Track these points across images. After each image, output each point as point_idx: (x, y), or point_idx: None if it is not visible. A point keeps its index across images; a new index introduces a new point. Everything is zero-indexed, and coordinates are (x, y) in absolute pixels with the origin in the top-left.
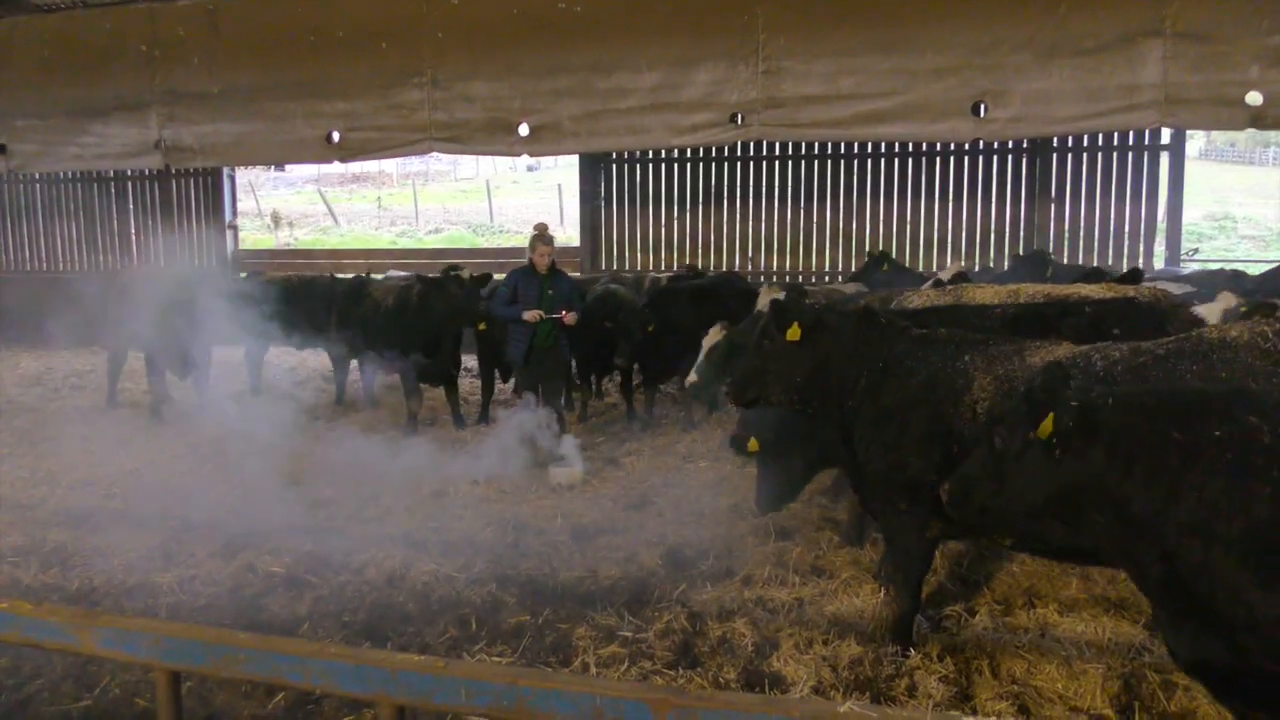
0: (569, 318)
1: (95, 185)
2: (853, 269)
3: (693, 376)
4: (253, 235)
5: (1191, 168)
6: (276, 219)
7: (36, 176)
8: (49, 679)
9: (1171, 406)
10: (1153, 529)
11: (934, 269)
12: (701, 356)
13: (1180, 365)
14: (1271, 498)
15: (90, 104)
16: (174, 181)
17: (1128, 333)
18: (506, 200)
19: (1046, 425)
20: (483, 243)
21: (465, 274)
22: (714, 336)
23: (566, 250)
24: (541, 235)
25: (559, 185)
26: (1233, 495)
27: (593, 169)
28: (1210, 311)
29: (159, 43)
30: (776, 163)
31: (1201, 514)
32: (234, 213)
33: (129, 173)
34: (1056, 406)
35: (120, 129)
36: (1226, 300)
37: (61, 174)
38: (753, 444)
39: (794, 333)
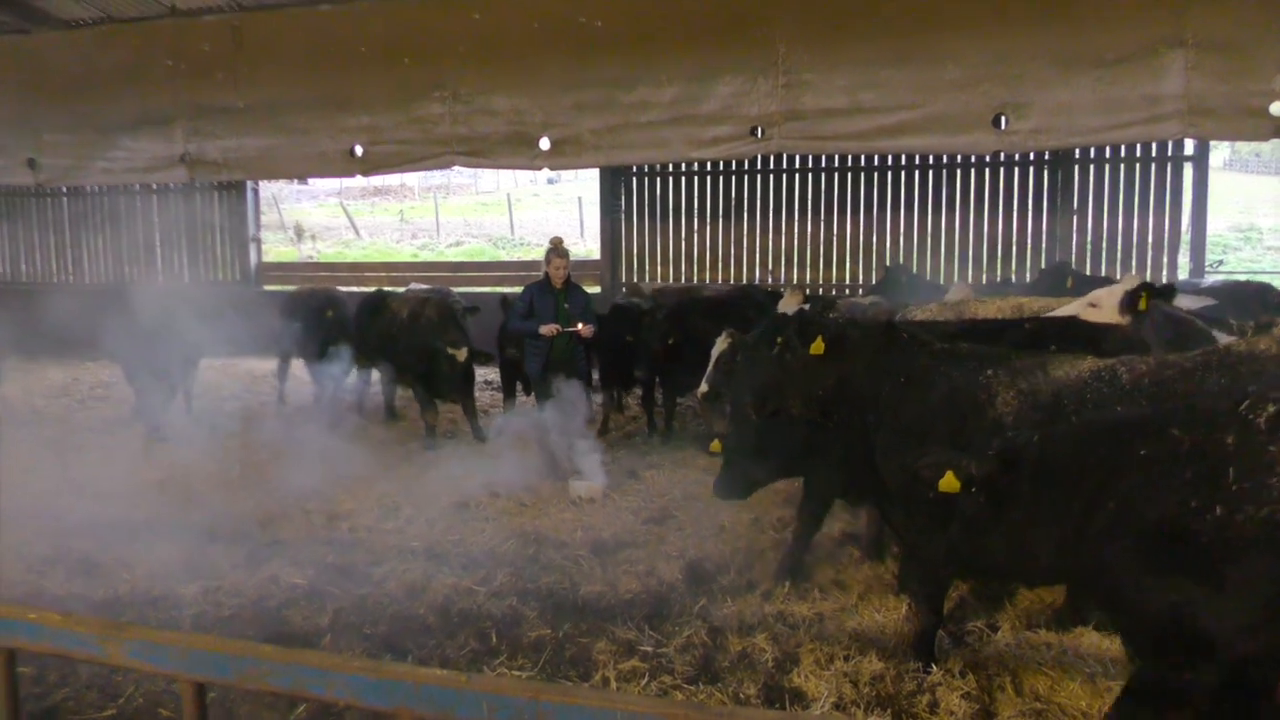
0: (586, 330)
1: (121, 198)
2: (873, 282)
3: (704, 386)
4: (276, 248)
5: (1216, 178)
6: (299, 232)
7: (64, 190)
8: (74, 688)
9: (1097, 436)
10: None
11: (955, 281)
12: (711, 365)
13: (1208, 378)
14: (1179, 499)
15: (117, 119)
16: (198, 195)
17: (1063, 348)
18: (527, 213)
19: (950, 481)
20: (503, 255)
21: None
22: (721, 344)
23: (586, 263)
24: (557, 249)
25: (579, 198)
26: (1148, 499)
27: (613, 182)
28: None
29: (184, 58)
30: (797, 175)
31: (1120, 524)
32: (257, 226)
33: (154, 186)
34: (964, 462)
35: (146, 143)
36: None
37: (89, 187)
38: (715, 445)
39: (818, 346)
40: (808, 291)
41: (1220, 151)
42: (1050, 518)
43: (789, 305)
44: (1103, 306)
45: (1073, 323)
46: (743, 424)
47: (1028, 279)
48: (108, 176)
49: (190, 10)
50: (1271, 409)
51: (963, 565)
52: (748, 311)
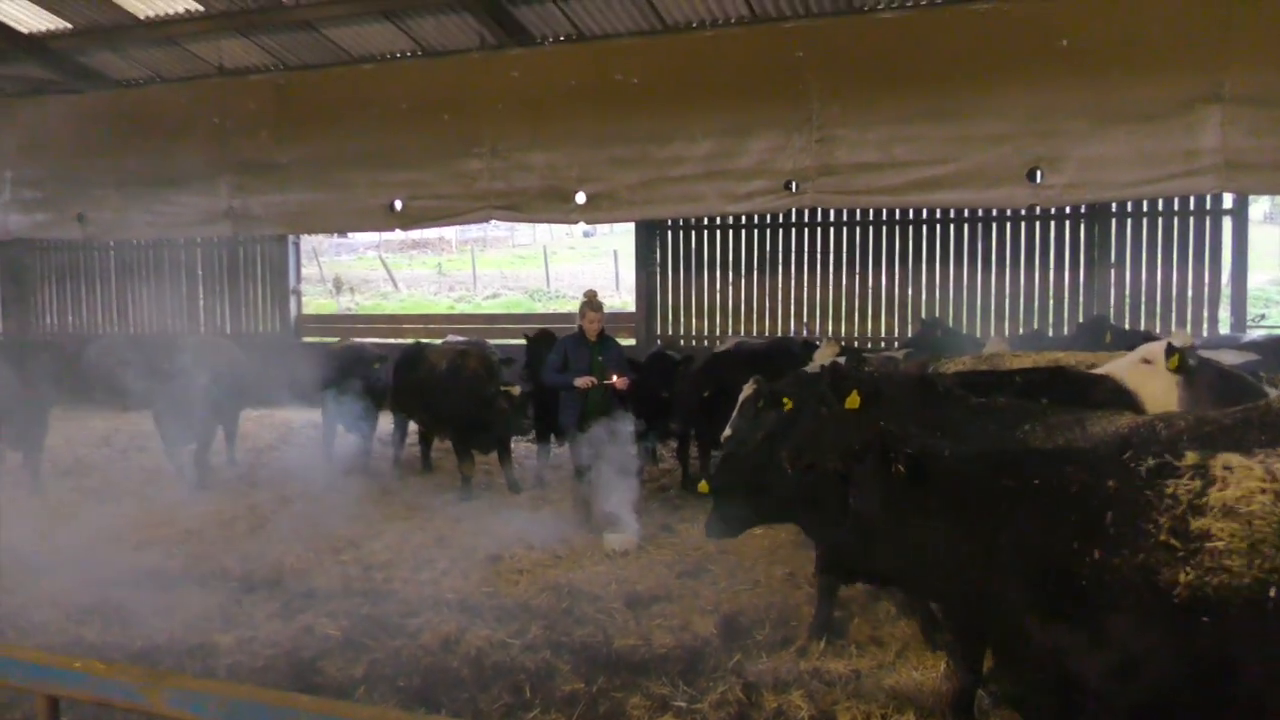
0: (621, 383)
1: (166, 251)
2: (908, 335)
3: (728, 431)
4: (315, 300)
5: (1256, 232)
6: (338, 284)
7: (110, 243)
8: None
9: (999, 462)
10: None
11: (992, 336)
12: (736, 411)
13: (1248, 434)
14: (1062, 537)
15: (164, 174)
16: (241, 248)
17: (1053, 400)
18: (563, 266)
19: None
20: (539, 308)
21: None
22: (747, 391)
23: (621, 316)
24: (591, 302)
25: (615, 251)
26: (1034, 535)
27: (648, 235)
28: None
29: (230, 115)
30: (831, 229)
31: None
32: (298, 278)
33: (199, 239)
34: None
35: (192, 198)
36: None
37: (135, 240)
38: (702, 486)
39: (853, 401)
40: (843, 344)
41: (1260, 205)
42: (943, 531)
43: (825, 357)
44: (1157, 362)
45: (1061, 373)
46: (730, 465)
47: (1065, 333)
48: (154, 230)
49: (237, 69)
50: (1152, 461)
51: (856, 562)
52: (783, 363)
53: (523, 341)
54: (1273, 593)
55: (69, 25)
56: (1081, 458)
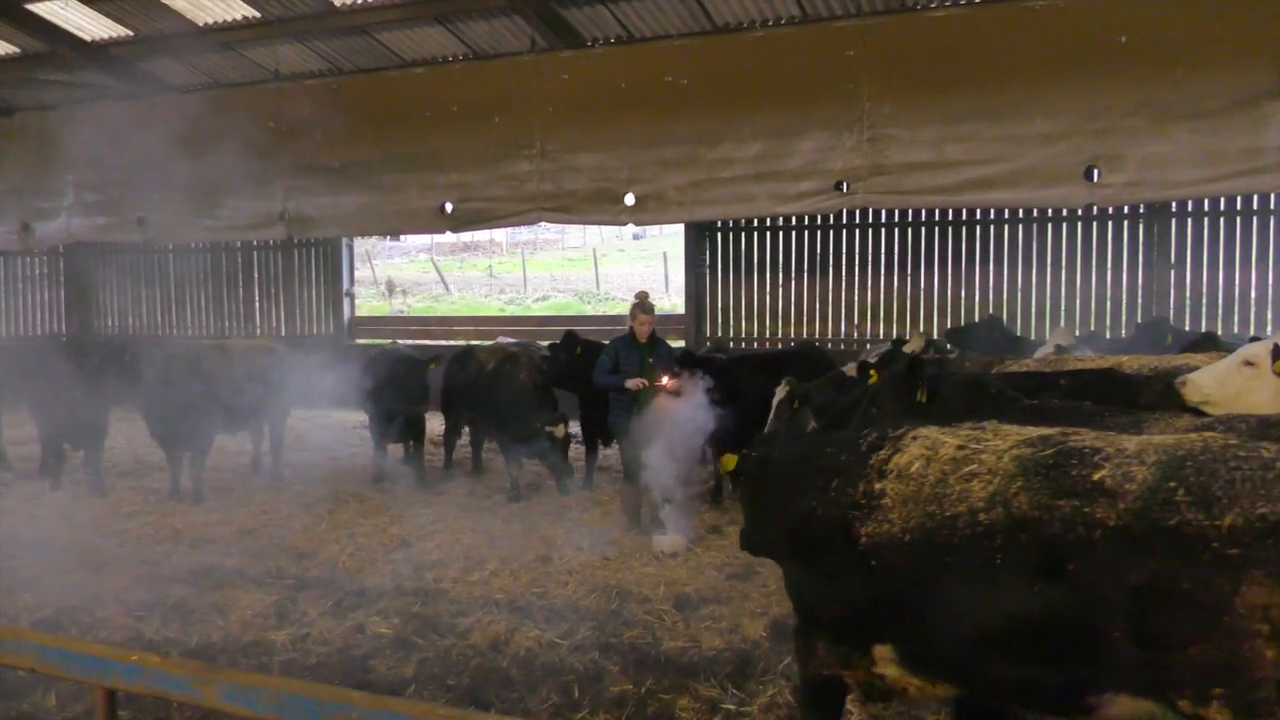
0: (672, 384)
1: (223, 254)
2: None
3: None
4: (368, 302)
5: None
6: (391, 287)
7: (169, 246)
8: None
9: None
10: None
11: (1048, 338)
12: (772, 413)
13: None
14: (806, 501)
15: (221, 178)
16: (296, 251)
17: (1098, 402)
18: (613, 268)
19: (728, 461)
20: (589, 310)
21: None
22: (781, 393)
23: (671, 318)
24: (642, 304)
25: (664, 253)
26: (792, 501)
27: (698, 237)
28: None
29: (286, 120)
30: (883, 230)
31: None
32: (351, 281)
33: (254, 242)
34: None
35: (248, 202)
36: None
37: (192, 244)
38: (728, 460)
39: (921, 396)
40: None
41: None
42: (766, 507)
43: (914, 347)
44: (1261, 364)
45: (1109, 375)
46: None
47: (1122, 335)
48: (211, 234)
49: (292, 75)
50: (873, 436)
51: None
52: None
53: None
54: (909, 539)
55: (131, 33)
56: (836, 439)
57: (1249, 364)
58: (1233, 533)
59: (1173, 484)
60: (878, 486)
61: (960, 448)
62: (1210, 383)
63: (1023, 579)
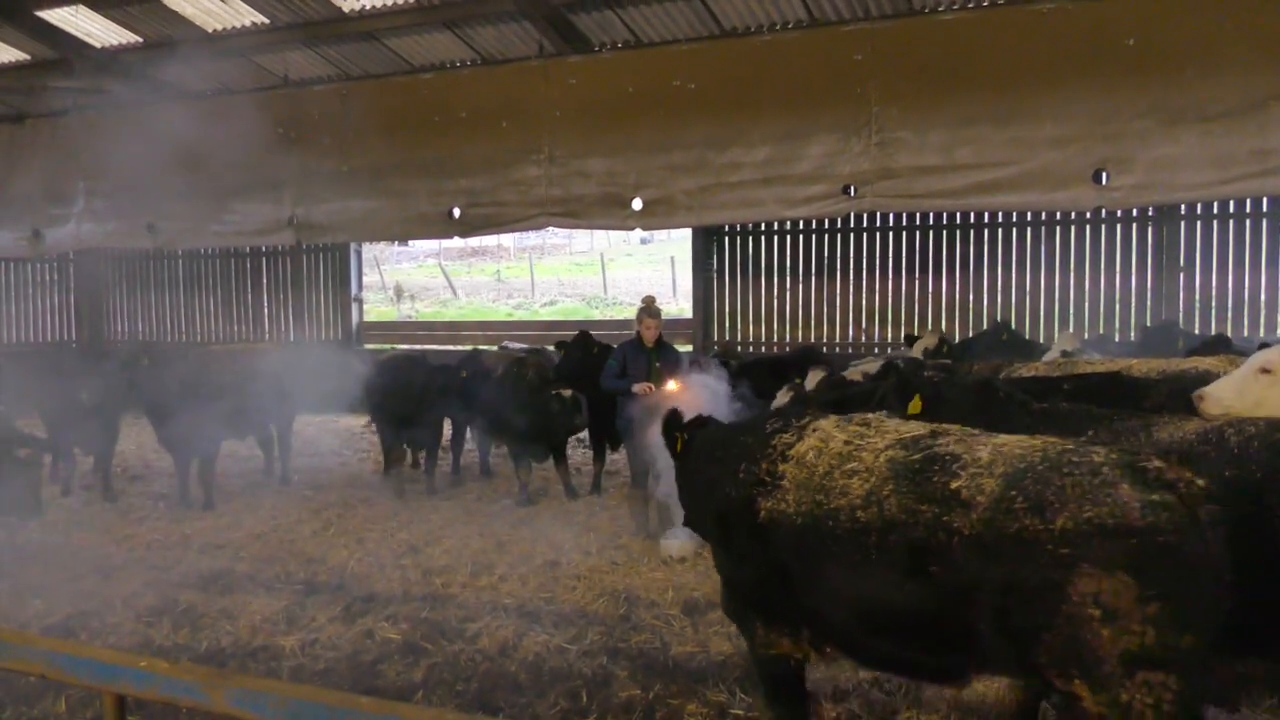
0: (679, 388)
1: (232, 260)
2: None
3: None
4: (376, 307)
5: None
6: (399, 292)
7: (179, 252)
8: None
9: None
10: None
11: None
12: None
13: None
14: (721, 483)
15: (231, 184)
16: (304, 256)
17: (1103, 406)
18: (620, 272)
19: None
20: (597, 315)
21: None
22: (783, 397)
23: (679, 322)
24: (649, 309)
25: (672, 257)
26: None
27: (706, 241)
28: None
29: (295, 126)
30: (892, 234)
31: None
32: (359, 286)
33: (263, 248)
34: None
35: (257, 207)
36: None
37: (202, 250)
38: None
39: (915, 406)
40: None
41: None
42: (693, 487)
43: (928, 344)
44: (1278, 370)
45: (1113, 378)
46: None
47: (1131, 338)
48: (220, 239)
49: (302, 80)
50: (778, 423)
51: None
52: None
53: None
54: (800, 521)
55: (140, 40)
56: (749, 427)
57: (1266, 371)
58: (1064, 534)
59: (1014, 493)
60: (780, 468)
61: (847, 443)
62: (1229, 394)
63: (895, 575)
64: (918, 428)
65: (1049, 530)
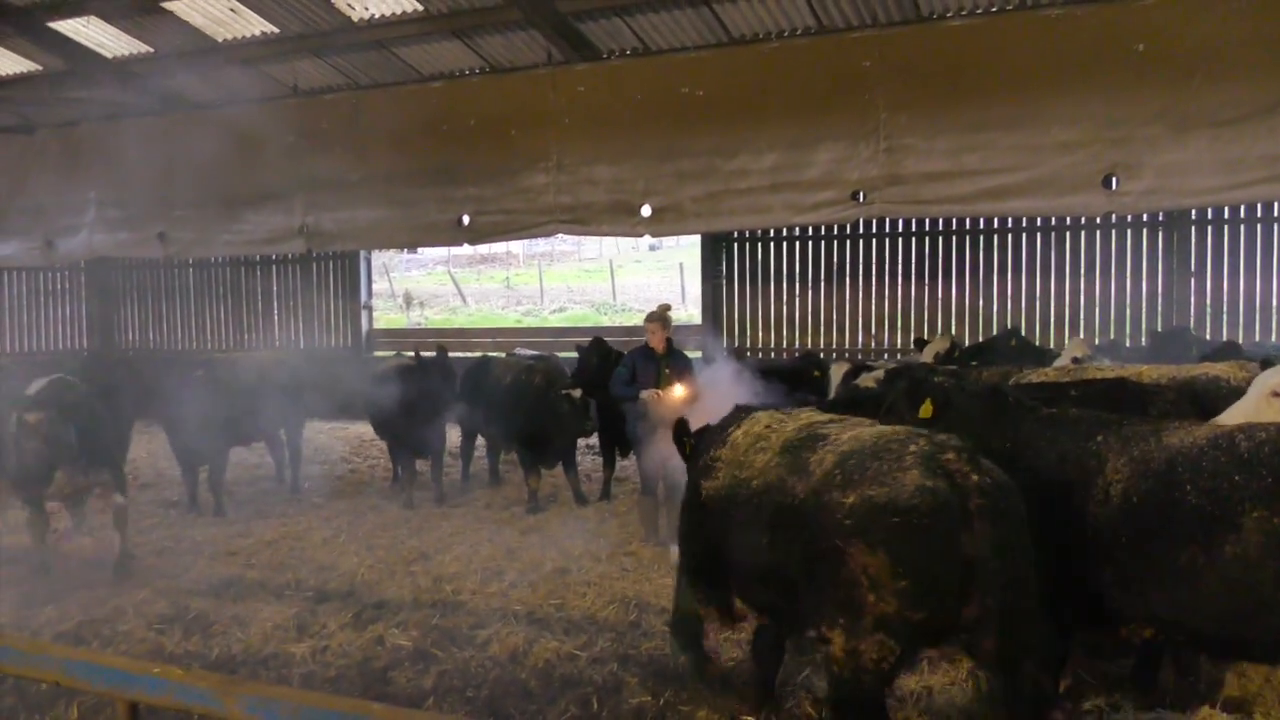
0: (688, 394)
1: (242, 268)
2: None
3: None
4: (386, 315)
5: None
6: (408, 299)
7: (190, 261)
8: None
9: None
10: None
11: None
12: None
13: None
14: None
15: (241, 193)
16: (314, 264)
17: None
18: (629, 279)
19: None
20: (606, 321)
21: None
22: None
23: (688, 328)
24: (659, 316)
25: (681, 264)
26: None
27: (714, 248)
28: None
29: (305, 134)
30: (900, 240)
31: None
32: (369, 293)
33: (273, 256)
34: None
35: (267, 216)
36: None
37: (212, 258)
38: None
39: (926, 410)
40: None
41: None
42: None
43: (939, 348)
44: None
45: (1120, 384)
46: None
47: (1142, 343)
48: (230, 248)
49: (311, 90)
50: (737, 413)
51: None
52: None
53: None
54: (723, 494)
55: (151, 50)
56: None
57: (1278, 395)
58: (851, 508)
59: (836, 470)
60: (718, 453)
61: (767, 427)
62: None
63: (765, 531)
64: (829, 418)
65: (843, 504)
